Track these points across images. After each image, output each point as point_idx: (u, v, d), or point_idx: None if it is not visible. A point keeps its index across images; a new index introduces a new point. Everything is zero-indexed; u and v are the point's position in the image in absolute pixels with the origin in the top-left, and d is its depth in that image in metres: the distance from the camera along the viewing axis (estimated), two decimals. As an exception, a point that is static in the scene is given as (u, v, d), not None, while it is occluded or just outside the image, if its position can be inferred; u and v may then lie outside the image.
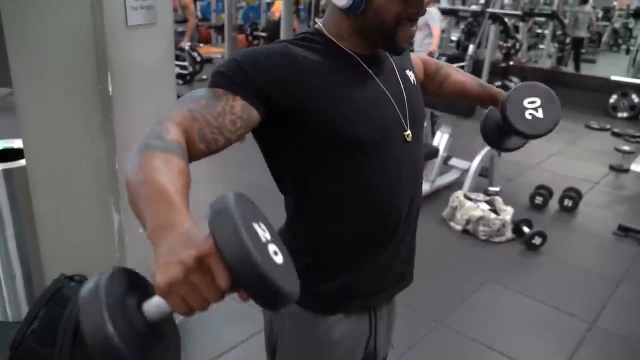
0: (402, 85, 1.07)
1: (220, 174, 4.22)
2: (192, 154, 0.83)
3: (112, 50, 1.81)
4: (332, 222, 1.03)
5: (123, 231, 2.02)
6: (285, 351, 1.12)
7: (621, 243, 3.69)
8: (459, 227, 3.69)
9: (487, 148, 4.15)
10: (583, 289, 3.09)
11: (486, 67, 7.14)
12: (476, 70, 7.04)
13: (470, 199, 3.81)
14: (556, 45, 10.04)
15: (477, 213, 3.59)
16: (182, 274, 0.53)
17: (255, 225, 0.56)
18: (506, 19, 5.54)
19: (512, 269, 3.26)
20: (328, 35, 1.00)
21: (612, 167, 5.06)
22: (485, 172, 4.31)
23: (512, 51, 4.64)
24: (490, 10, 7.22)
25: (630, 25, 14.15)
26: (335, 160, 0.97)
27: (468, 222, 3.62)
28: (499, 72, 4.46)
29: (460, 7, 9.08)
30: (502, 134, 1.32)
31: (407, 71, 1.12)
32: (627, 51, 12.61)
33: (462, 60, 6.77)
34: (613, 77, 7.78)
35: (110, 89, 1.83)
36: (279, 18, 7.39)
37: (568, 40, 9.46)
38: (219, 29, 10.86)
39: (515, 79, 4.39)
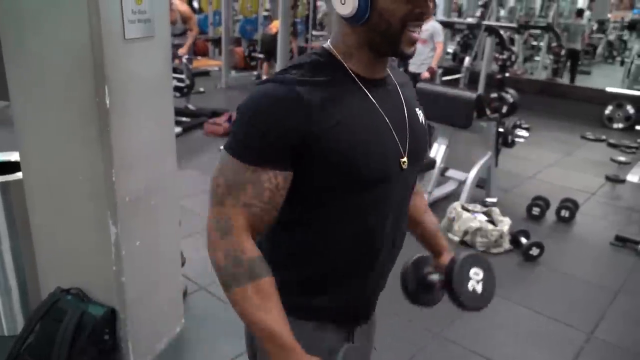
0: (407, 116, 1.08)
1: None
2: (259, 233, 0.99)
3: (109, 63, 1.81)
4: (316, 243, 1.04)
5: (120, 244, 2.02)
6: (264, 357, 1.12)
7: (618, 253, 3.70)
8: (456, 239, 3.68)
9: (484, 159, 4.17)
10: (581, 299, 3.09)
11: (482, 78, 7.19)
12: (472, 82, 7.08)
13: (467, 210, 3.81)
14: (551, 57, 10.12)
15: (475, 224, 3.60)
16: None
17: None
18: (502, 32, 5.57)
19: (510, 280, 3.25)
20: (336, 54, 1.00)
21: (608, 178, 5.08)
22: (482, 184, 4.33)
23: (508, 63, 4.66)
24: (486, 22, 7.26)
25: (625, 38, 14.25)
26: (334, 192, 0.99)
27: (466, 233, 3.62)
28: (495, 84, 4.48)
29: (456, 19, 9.15)
30: (423, 289, 1.28)
31: (417, 109, 1.13)
32: (622, 63, 12.70)
33: (458, 72, 6.81)
34: (608, 89, 7.83)
35: (107, 101, 1.84)
36: (276, 33, 7.39)
37: (563, 52, 9.53)
38: (216, 42, 10.90)
39: (511, 91, 4.41)
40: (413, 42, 0.98)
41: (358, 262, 1.07)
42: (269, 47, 8.11)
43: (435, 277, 1.25)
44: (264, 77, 4.84)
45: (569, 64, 9.88)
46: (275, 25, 7.82)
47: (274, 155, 0.93)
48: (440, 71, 6.69)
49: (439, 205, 4.16)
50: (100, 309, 2.07)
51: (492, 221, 3.71)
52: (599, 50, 14.22)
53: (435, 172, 4.20)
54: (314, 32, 10.85)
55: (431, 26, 5.68)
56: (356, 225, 1.03)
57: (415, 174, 1.14)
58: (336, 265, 1.06)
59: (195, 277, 2.90)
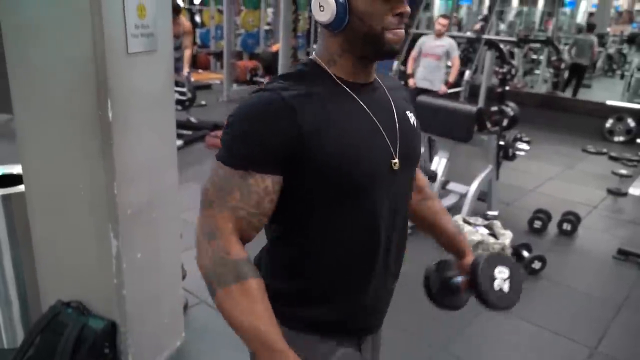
0: (397, 118, 1.08)
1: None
2: (248, 239, 0.98)
3: (112, 77, 1.82)
4: (313, 251, 1.04)
5: (121, 257, 2.01)
6: None
7: (621, 267, 3.68)
8: (458, 252, 3.66)
9: (485, 172, 4.16)
10: (584, 313, 3.07)
11: (482, 92, 7.21)
12: (473, 95, 7.11)
13: (469, 223, 3.80)
14: (551, 70, 10.16)
15: (476, 237, 3.58)
16: None
17: None
18: (502, 45, 5.60)
19: (512, 294, 3.23)
20: (321, 63, 1.02)
21: (610, 191, 5.07)
22: (483, 197, 4.32)
23: (508, 77, 4.67)
24: (486, 36, 7.32)
25: (625, 51, 14.30)
26: (326, 196, 0.99)
27: (467, 246, 3.60)
28: (496, 97, 4.49)
29: (456, 33, 9.20)
30: (448, 292, 1.27)
31: (407, 112, 1.13)
32: (622, 76, 12.73)
33: (459, 85, 6.84)
34: (609, 102, 7.86)
35: (110, 115, 1.85)
36: (276, 51, 7.70)
37: (563, 65, 9.56)
38: (218, 56, 10.98)
39: (511, 104, 4.42)
40: (400, 38, 0.98)
41: (355, 266, 1.06)
42: (269, 62, 8.48)
43: (459, 278, 1.22)
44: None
45: (573, 79, 9.88)
46: (277, 47, 8.24)
47: (261, 158, 0.93)
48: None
49: (441, 218, 4.14)
50: (100, 322, 2.06)
51: (493, 234, 3.70)
52: (599, 63, 14.27)
53: (436, 185, 4.19)
54: (315, 47, 10.90)
55: (447, 43, 5.72)
56: (350, 228, 1.02)
57: (409, 176, 1.13)
58: (334, 272, 1.05)
59: (195, 291, 2.89)
